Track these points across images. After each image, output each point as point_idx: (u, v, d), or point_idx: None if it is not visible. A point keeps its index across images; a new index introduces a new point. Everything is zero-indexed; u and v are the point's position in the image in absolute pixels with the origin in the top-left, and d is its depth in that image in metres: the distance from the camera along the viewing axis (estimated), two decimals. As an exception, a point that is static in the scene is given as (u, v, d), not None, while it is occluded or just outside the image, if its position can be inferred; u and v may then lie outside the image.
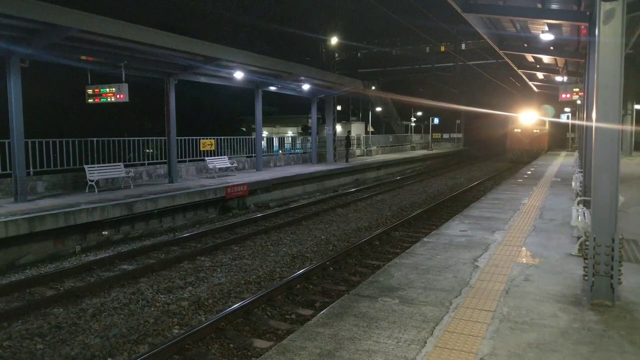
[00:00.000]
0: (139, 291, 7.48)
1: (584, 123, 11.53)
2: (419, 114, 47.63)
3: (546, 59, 18.12)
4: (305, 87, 21.11)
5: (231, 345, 5.66)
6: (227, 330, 6.01)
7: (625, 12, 4.41)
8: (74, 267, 8.63)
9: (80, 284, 7.86)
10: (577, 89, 16.54)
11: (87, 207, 10.21)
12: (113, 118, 34.69)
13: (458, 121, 49.68)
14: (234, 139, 20.40)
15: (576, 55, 14.49)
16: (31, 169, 12.46)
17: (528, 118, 35.46)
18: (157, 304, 6.93)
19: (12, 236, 8.85)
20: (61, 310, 6.73)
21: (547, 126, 35.63)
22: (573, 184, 11.73)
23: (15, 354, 5.46)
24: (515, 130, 35.59)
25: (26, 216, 9.15)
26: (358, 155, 31.41)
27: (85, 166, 13.03)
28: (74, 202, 10.93)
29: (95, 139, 14.39)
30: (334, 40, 30.91)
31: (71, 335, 5.94)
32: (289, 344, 3.84)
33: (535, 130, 35.12)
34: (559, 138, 45.48)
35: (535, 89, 29.56)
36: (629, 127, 28.42)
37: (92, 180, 12.76)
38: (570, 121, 38.54)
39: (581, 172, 11.24)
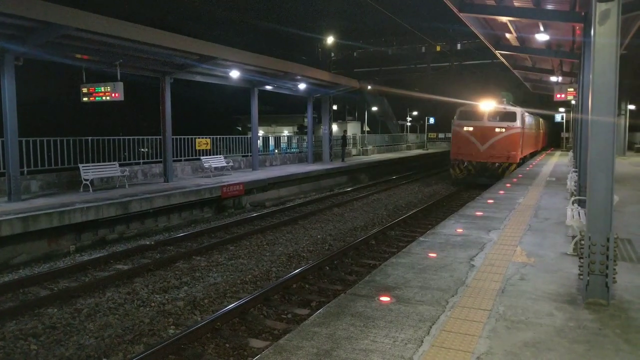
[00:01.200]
0: (134, 291, 7.45)
1: (579, 116, 11.57)
2: (415, 113, 47.74)
3: (541, 59, 18.19)
4: (302, 86, 21.09)
5: (227, 345, 5.64)
6: (223, 330, 6.00)
7: (621, 12, 4.43)
8: (69, 267, 8.58)
9: (74, 284, 7.81)
10: (571, 89, 16.63)
11: (82, 207, 10.16)
12: (108, 116, 34.55)
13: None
14: (229, 138, 20.36)
15: (571, 55, 14.57)
16: (25, 168, 12.37)
17: (485, 108, 20.79)
18: (153, 304, 6.91)
19: (6, 236, 8.79)
20: (55, 310, 6.69)
21: (519, 122, 20.67)
22: (568, 183, 11.78)
23: (9, 355, 5.42)
24: (465, 129, 20.72)
25: (20, 215, 9.09)
26: (354, 155, 31.44)
27: (80, 165, 12.95)
28: (69, 201, 10.87)
29: (90, 137, 14.31)
30: (330, 40, 30.88)
31: (66, 335, 5.90)
32: (285, 343, 3.83)
33: (498, 129, 20.26)
34: (540, 139, 34.18)
35: (530, 88, 29.64)
36: (623, 121, 28.57)
37: (86, 180, 12.69)
38: (561, 113, 36.39)
39: (576, 171, 11.31)
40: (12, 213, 9.28)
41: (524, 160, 23.57)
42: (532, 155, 29.01)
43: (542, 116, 35.25)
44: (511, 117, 20.64)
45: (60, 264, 9.03)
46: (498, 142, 20.25)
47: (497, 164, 20.26)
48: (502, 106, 21.30)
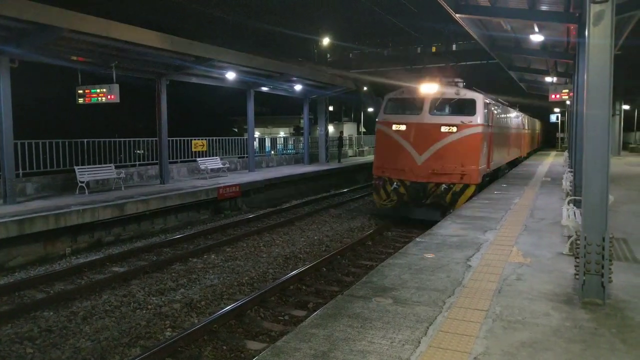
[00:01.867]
0: (130, 293, 7.42)
1: (574, 115, 11.58)
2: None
3: (536, 59, 18.28)
4: (297, 87, 21.10)
5: (224, 347, 5.63)
6: (220, 332, 5.99)
7: (615, 13, 4.45)
8: (65, 270, 8.54)
9: (70, 287, 7.77)
10: (566, 90, 16.71)
11: (78, 209, 10.11)
12: (103, 118, 34.42)
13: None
14: (225, 139, 20.33)
15: (566, 56, 14.65)
16: (20, 170, 12.32)
17: (426, 93, 12.72)
18: (149, 307, 6.88)
19: (1, 238, 8.73)
20: (51, 313, 6.66)
21: (481, 116, 12.37)
22: (563, 183, 11.83)
23: (5, 358, 5.39)
24: (394, 128, 12.89)
25: (15, 218, 9.04)
26: (350, 156, 31.45)
27: (76, 167, 12.90)
28: (64, 203, 10.82)
29: (85, 139, 14.26)
30: (326, 41, 30.93)
31: (62, 338, 5.87)
32: (283, 345, 3.82)
33: (445, 128, 12.29)
34: (534, 141, 29.16)
35: (525, 89, 29.75)
36: (617, 121, 28.69)
37: (82, 182, 12.64)
38: (556, 113, 35.73)
39: (571, 171, 11.35)
40: (8, 216, 9.23)
41: (493, 177, 15.14)
42: (512, 164, 20.59)
43: (534, 113, 33.33)
44: (468, 107, 12.55)
45: (56, 267, 8.99)
46: (445, 148, 12.25)
47: (443, 187, 12.10)
48: (452, 90, 12.86)
